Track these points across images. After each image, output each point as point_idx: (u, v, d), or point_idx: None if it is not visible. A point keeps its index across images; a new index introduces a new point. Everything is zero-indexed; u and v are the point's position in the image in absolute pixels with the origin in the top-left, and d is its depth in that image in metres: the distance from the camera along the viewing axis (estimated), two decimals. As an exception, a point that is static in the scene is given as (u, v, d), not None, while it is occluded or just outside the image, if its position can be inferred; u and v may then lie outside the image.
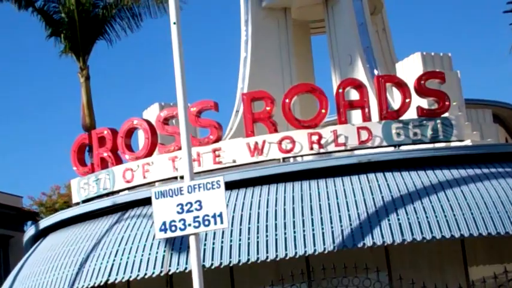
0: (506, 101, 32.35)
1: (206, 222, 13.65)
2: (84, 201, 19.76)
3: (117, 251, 17.37)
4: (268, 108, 18.06)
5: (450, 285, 16.79)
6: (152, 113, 22.75)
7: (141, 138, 20.79)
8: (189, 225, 13.70)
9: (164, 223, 13.85)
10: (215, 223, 13.63)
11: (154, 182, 18.65)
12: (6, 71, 62.21)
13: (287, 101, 17.98)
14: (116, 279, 16.92)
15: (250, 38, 25.19)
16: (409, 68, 21.00)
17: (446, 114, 18.16)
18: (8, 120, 63.42)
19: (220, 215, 13.60)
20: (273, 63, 25.32)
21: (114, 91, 66.71)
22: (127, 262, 17.02)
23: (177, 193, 13.87)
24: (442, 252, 17.88)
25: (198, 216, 13.69)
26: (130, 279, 16.78)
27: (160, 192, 14.00)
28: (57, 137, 66.21)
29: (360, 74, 23.06)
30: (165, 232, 13.91)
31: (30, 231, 21.54)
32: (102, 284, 17.19)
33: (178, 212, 13.78)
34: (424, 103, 18.83)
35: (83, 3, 27.73)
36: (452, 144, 18.19)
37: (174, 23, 14.43)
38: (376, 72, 23.24)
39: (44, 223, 20.67)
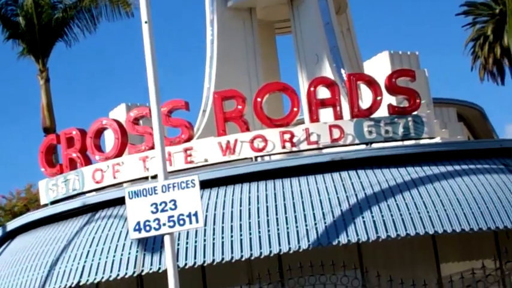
0: (468, 100, 32.71)
1: (181, 222, 13.54)
2: (52, 203, 19.51)
3: (88, 252, 17.17)
4: (240, 107, 18.00)
5: (421, 282, 16.83)
6: (119, 114, 22.53)
7: (108, 139, 20.62)
8: (164, 224, 13.58)
9: (138, 223, 13.71)
10: (190, 222, 13.53)
11: (125, 182, 18.48)
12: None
13: (259, 99, 17.93)
14: (87, 280, 16.71)
15: (216, 38, 25.09)
16: (377, 67, 21.06)
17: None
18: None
19: (196, 214, 13.49)
20: (239, 63, 25.25)
21: (77, 93, 66.07)
22: (99, 263, 16.83)
23: (151, 193, 13.74)
24: (413, 249, 17.96)
25: (172, 216, 13.57)
26: (103, 280, 16.59)
27: (134, 192, 13.85)
28: (17, 140, 65.41)
29: (327, 73, 23.07)
30: (140, 232, 13.76)
31: (-4, 234, 21.24)
32: (73, 285, 16.95)
33: (152, 212, 13.66)
34: (391, 101, 18.89)
35: (41, 5, 27.54)
36: (423, 141, 18.28)
37: (146, 22, 14.31)
38: (343, 71, 23.30)
39: (11, 225, 20.38)
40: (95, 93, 66.55)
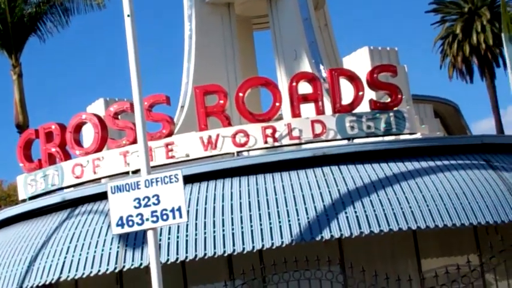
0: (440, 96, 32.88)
1: (164, 217, 13.40)
2: (31, 198, 19.29)
3: (68, 248, 17.00)
4: (221, 102, 17.90)
5: (403, 277, 16.84)
6: (97, 109, 22.39)
7: (86, 134, 20.43)
8: (147, 219, 13.42)
9: (121, 218, 13.56)
10: (174, 217, 13.39)
11: (105, 177, 18.33)
12: None
13: (240, 94, 17.85)
14: (68, 276, 16.53)
15: (194, 33, 25.04)
16: (357, 62, 21.09)
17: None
18: None
19: (179, 209, 13.36)
20: (217, 58, 25.20)
21: (52, 88, 65.54)
22: (79, 259, 16.67)
23: (134, 187, 13.59)
24: (394, 244, 17.99)
25: (156, 211, 13.43)
26: (84, 276, 16.41)
27: (117, 186, 13.69)
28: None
29: (306, 68, 23.06)
30: (122, 227, 13.60)
31: (-28, 230, 20.93)
32: (53, 282, 16.78)
33: (135, 207, 13.50)
34: (371, 97, 18.89)
35: (14, 0, 27.28)
36: (404, 136, 18.31)
37: (128, 16, 14.15)
38: (321, 67, 23.30)
39: (-12, 221, 20.13)
40: (70, 89, 66.13)
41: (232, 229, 16.04)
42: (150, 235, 13.49)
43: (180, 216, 13.37)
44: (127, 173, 18.06)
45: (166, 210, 13.38)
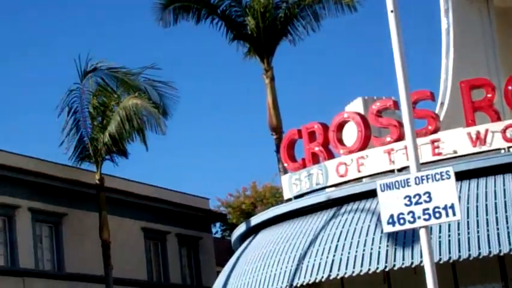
0: None
1: (437, 215, 13.00)
2: (296, 197, 19.54)
3: (336, 247, 17.05)
4: (489, 96, 17.24)
5: None
6: (355, 108, 22.28)
7: (347, 133, 20.38)
8: (419, 217, 13.09)
9: (392, 216, 13.31)
10: (447, 215, 12.96)
11: (370, 175, 18.18)
12: (193, 77, 63.22)
13: (510, 87, 17.08)
14: (337, 274, 16.61)
15: (452, 28, 24.35)
16: None
17: None
18: (190, 124, 64.70)
19: (452, 207, 12.91)
20: (477, 53, 24.34)
21: (299, 90, 66.14)
22: (348, 258, 16.68)
23: (404, 185, 13.29)
24: None
25: (427, 209, 13.07)
26: (353, 274, 16.38)
27: (386, 184, 13.44)
28: (243, 139, 66.91)
29: None
30: (394, 225, 13.33)
31: (240, 228, 21.56)
32: (323, 279, 16.87)
33: (406, 205, 13.20)
34: None
35: (265, 5, 27.84)
36: None
37: (392, 11, 13.91)
38: None
39: (255, 220, 20.63)
40: (319, 90, 66.26)
41: (507, 227, 15.36)
42: (422, 233, 13.14)
43: (454, 214, 12.92)
44: (392, 171, 17.82)
45: (438, 207, 13.00)
